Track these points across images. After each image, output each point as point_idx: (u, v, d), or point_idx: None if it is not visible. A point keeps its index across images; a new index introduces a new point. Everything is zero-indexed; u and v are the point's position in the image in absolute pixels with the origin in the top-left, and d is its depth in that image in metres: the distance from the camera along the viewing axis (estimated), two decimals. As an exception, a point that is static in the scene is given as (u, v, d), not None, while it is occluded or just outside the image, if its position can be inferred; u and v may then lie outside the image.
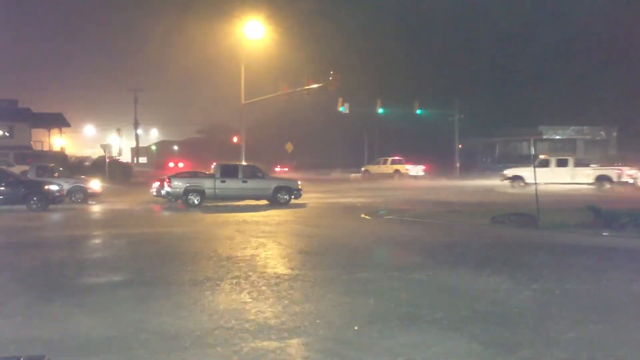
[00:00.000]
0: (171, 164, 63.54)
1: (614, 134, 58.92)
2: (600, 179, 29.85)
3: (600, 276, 8.71)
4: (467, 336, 5.89)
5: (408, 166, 48.07)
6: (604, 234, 13.05)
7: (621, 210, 14.42)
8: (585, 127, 58.62)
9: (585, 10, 56.17)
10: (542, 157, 33.00)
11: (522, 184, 30.97)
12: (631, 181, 29.57)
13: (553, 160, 31.77)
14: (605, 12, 56.22)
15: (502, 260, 10.15)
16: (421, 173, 48.05)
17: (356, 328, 6.15)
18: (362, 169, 52.21)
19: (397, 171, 47.35)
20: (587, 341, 5.75)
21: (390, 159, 49.57)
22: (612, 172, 30.12)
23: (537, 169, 31.52)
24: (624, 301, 7.31)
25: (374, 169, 49.85)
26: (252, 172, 23.73)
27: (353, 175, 51.53)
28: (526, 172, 30.93)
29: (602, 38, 56.04)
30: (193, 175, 24.40)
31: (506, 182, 31.98)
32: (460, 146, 55.12)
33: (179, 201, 22.92)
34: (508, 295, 7.56)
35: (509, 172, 32.71)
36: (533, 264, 9.79)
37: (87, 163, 44.16)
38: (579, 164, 31.44)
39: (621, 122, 55.56)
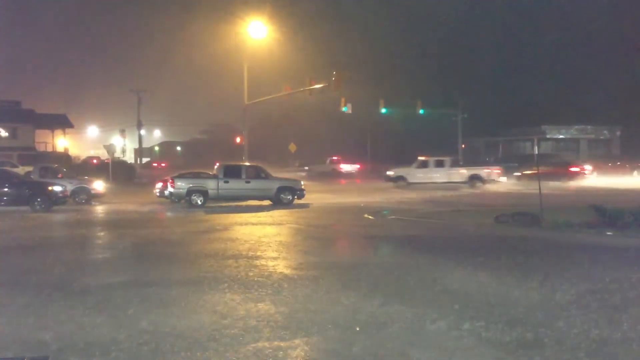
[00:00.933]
0: (154, 164, 71.64)
1: (617, 133, 58.82)
2: (472, 178, 32.54)
3: (605, 276, 8.69)
4: (474, 336, 5.88)
5: (342, 165, 54.64)
6: (608, 233, 13.01)
7: (625, 209, 14.37)
8: (588, 127, 58.54)
9: (589, 10, 56.05)
10: (421, 158, 35.11)
11: (404, 183, 33.06)
12: (500, 179, 32.89)
13: (432, 161, 33.99)
14: (609, 12, 56.12)
15: (506, 260, 10.13)
16: (354, 171, 53.76)
17: (358, 329, 6.15)
18: (306, 167, 57.00)
19: (333, 169, 53.46)
20: (593, 341, 5.74)
21: (329, 158, 55.97)
22: (482, 171, 33.20)
23: (417, 169, 34.12)
24: (630, 301, 7.29)
25: (315, 167, 55.47)
26: (256, 173, 23.73)
27: (298, 173, 54.11)
28: (408, 173, 33.87)
29: (606, 37, 55.94)
30: (196, 175, 24.38)
31: (390, 182, 34.10)
32: (463, 146, 55.09)
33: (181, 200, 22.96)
34: (513, 295, 7.55)
35: (392, 172, 34.71)
36: (537, 264, 9.77)
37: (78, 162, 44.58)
38: (454, 164, 33.98)
39: (624, 122, 55.43)
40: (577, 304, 7.12)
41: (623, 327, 6.13)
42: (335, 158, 55.88)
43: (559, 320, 6.38)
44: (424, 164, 34.05)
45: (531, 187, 30.91)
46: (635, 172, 42.52)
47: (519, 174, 37.24)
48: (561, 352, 5.45)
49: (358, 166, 55.02)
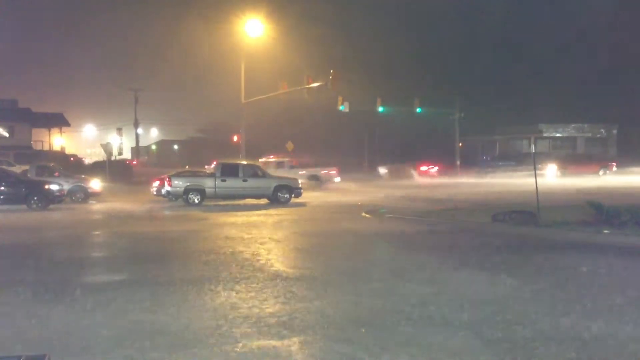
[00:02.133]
0: (127, 162, 74.43)
1: (614, 131, 58.92)
2: (311, 178, 34.38)
3: (601, 274, 8.71)
4: (470, 335, 5.88)
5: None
6: (605, 231, 13.01)
7: (622, 207, 14.39)
8: (585, 125, 58.60)
9: (586, 9, 56.12)
10: (262, 160, 36.84)
11: None
12: (335, 179, 35.16)
13: (272, 163, 35.98)
14: (605, 10, 56.19)
15: (503, 259, 10.14)
16: None
17: (363, 330, 6.13)
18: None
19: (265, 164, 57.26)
20: (589, 340, 5.74)
21: (264, 157, 60.03)
22: (320, 172, 35.27)
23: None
24: (625, 300, 7.30)
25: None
26: (253, 171, 23.72)
27: None
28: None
29: (603, 35, 56.02)
30: (193, 174, 24.39)
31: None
32: (460, 144, 55.10)
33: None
34: (510, 294, 7.56)
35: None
36: (533, 262, 9.78)
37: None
38: (293, 165, 35.77)
39: (621, 120, 55.55)
40: (575, 302, 7.12)
41: (624, 326, 6.13)
42: (272, 157, 60.05)
43: (556, 319, 6.38)
44: (264, 165, 35.84)
45: (369, 185, 35.05)
46: (601, 171, 42.99)
47: (385, 170, 40.88)
48: (561, 350, 5.45)
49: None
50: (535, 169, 16.72)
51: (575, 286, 7.93)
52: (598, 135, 59.04)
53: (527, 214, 15.03)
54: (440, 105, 52.15)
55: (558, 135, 58.68)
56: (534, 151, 18.93)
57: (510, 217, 15.10)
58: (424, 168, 40.46)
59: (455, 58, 61.91)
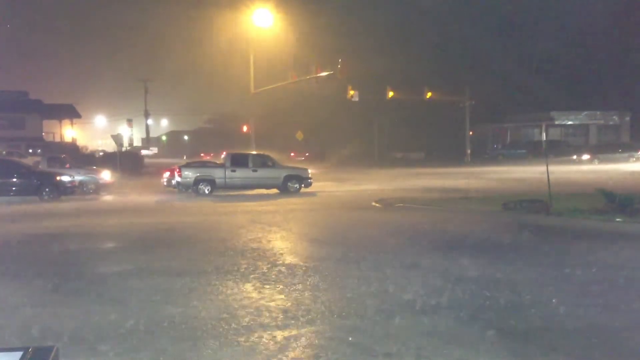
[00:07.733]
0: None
1: (627, 118, 58.33)
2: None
3: (613, 263, 8.63)
4: (481, 324, 5.85)
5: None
6: (617, 219, 12.91)
7: (635, 195, 14.26)
8: (598, 112, 58.05)
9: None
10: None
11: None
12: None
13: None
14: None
15: (514, 248, 10.09)
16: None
17: (375, 320, 6.12)
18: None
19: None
20: (600, 329, 5.70)
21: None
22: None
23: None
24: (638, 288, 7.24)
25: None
26: (263, 161, 23.72)
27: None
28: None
29: (616, 21, 55.24)
30: (203, 164, 24.47)
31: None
32: (470, 133, 54.79)
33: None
34: (521, 283, 7.51)
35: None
36: (545, 251, 9.72)
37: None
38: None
39: (634, 107, 54.96)
40: (587, 291, 7.07)
41: (628, 316, 6.08)
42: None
43: (568, 308, 6.34)
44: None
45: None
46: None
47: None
48: (572, 340, 5.41)
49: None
50: (546, 157, 16.59)
51: (585, 275, 7.86)
52: (611, 123, 58.50)
53: (538, 202, 14.95)
54: (450, 93, 51.85)
55: (570, 122, 58.21)
56: (545, 139, 18.75)
57: (521, 206, 15.03)
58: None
59: (466, 45, 61.40)
